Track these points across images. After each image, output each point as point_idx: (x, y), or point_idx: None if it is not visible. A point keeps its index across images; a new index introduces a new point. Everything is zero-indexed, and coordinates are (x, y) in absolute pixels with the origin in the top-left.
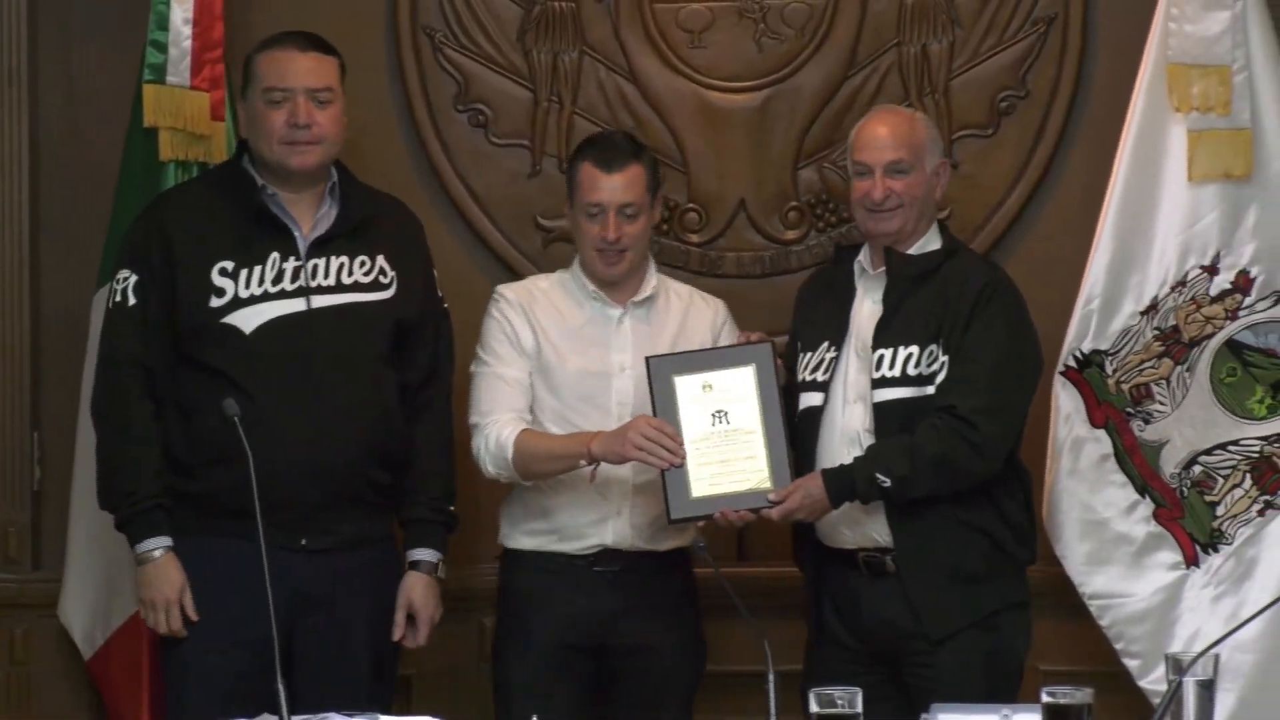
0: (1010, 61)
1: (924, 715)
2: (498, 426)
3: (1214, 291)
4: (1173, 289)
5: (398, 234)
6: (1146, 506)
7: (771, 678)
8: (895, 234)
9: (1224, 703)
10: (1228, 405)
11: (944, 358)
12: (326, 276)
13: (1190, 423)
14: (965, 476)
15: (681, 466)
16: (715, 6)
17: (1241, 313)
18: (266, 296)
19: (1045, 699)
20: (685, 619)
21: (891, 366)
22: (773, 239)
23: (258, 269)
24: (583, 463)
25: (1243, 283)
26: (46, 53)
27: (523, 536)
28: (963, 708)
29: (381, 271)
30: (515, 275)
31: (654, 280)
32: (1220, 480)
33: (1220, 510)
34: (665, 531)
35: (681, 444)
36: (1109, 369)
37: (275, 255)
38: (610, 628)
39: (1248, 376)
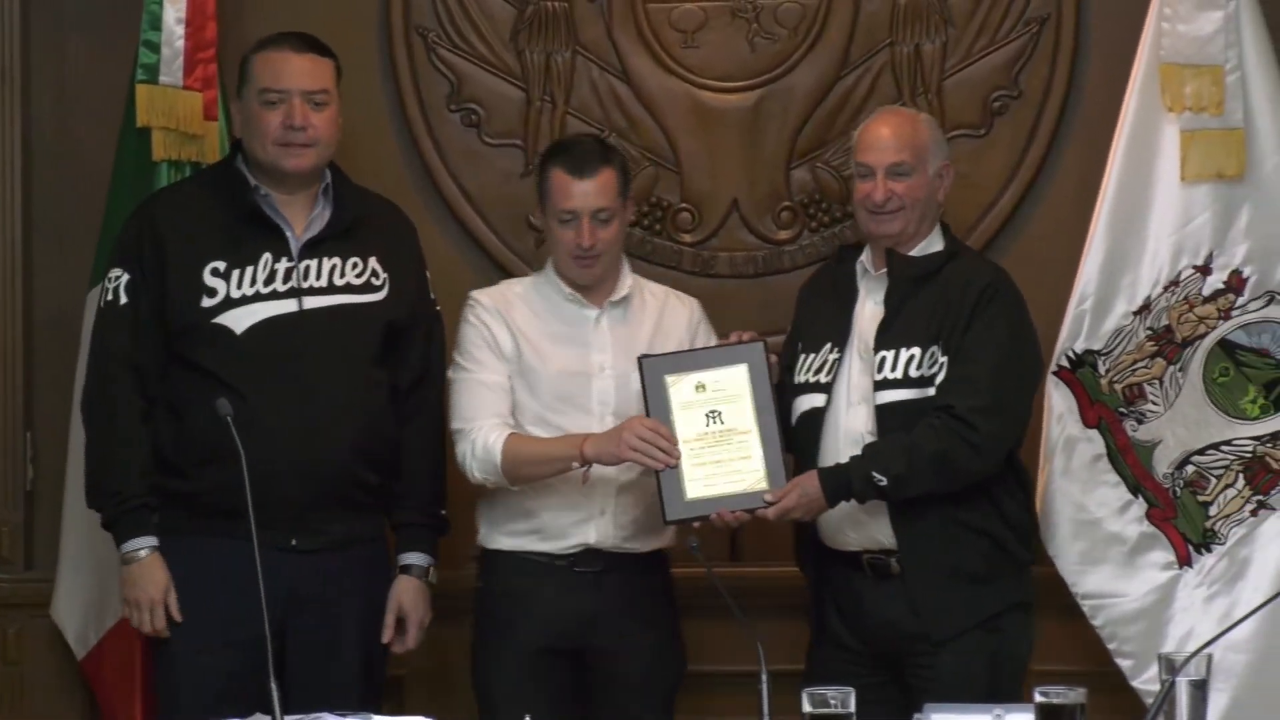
0: (1003, 61)
1: (916, 715)
2: (483, 432)
3: (1207, 291)
4: (1165, 289)
5: (390, 236)
6: (1139, 506)
7: (765, 678)
8: (896, 236)
9: (1217, 703)
10: (1220, 405)
11: (943, 359)
12: (318, 278)
13: (1183, 423)
14: (963, 476)
15: (676, 467)
16: (708, 6)
17: (1234, 312)
18: (259, 297)
19: (1038, 699)
20: (665, 620)
21: (894, 368)
22: (766, 239)
23: (250, 269)
24: (575, 465)
25: (1235, 282)
26: (39, 52)
27: (503, 537)
28: (955, 708)
29: (374, 273)
30: (508, 275)
31: (629, 280)
32: (1213, 480)
33: (1213, 510)
34: (648, 531)
35: (676, 444)
36: (1102, 369)
37: (267, 256)
38: (591, 629)
39: (1240, 376)
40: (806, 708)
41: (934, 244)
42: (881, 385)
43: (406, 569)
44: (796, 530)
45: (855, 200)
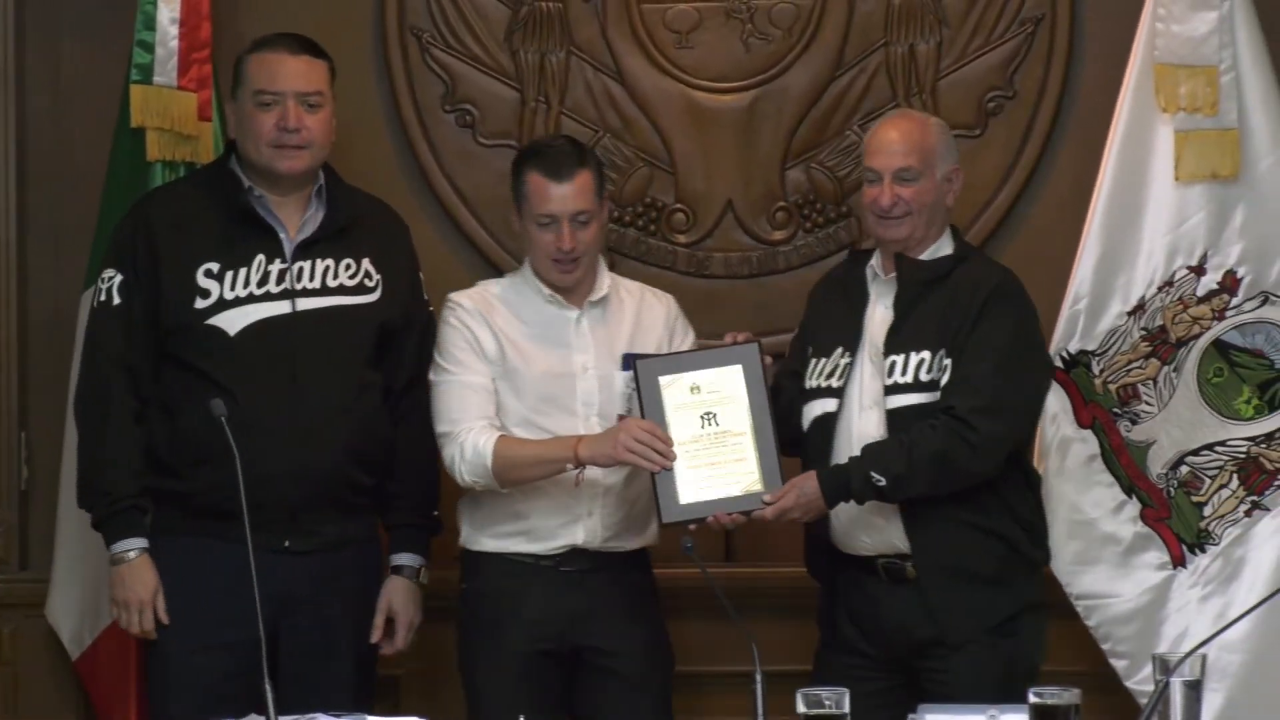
0: (998, 62)
1: (911, 716)
2: (472, 434)
3: (1201, 292)
4: (1160, 289)
5: (383, 237)
6: (1133, 507)
7: (759, 678)
8: (904, 240)
9: (1211, 703)
10: (1215, 406)
11: (948, 361)
12: (312, 279)
13: (1177, 423)
14: (962, 476)
15: (672, 470)
16: (703, 7)
17: (1229, 313)
18: (252, 299)
19: (1032, 699)
20: (653, 616)
21: (904, 373)
22: (760, 239)
23: (243, 271)
24: (570, 467)
25: (1230, 283)
26: (34, 52)
27: (487, 539)
28: (951, 708)
29: (367, 275)
30: (502, 276)
31: (607, 279)
32: (1207, 481)
33: (1207, 511)
34: (634, 530)
35: (672, 446)
36: (1096, 369)
37: (261, 257)
38: (580, 629)
39: (1234, 377)
40: (801, 708)
41: (944, 247)
42: (892, 390)
43: (397, 569)
44: (808, 535)
45: (864, 204)
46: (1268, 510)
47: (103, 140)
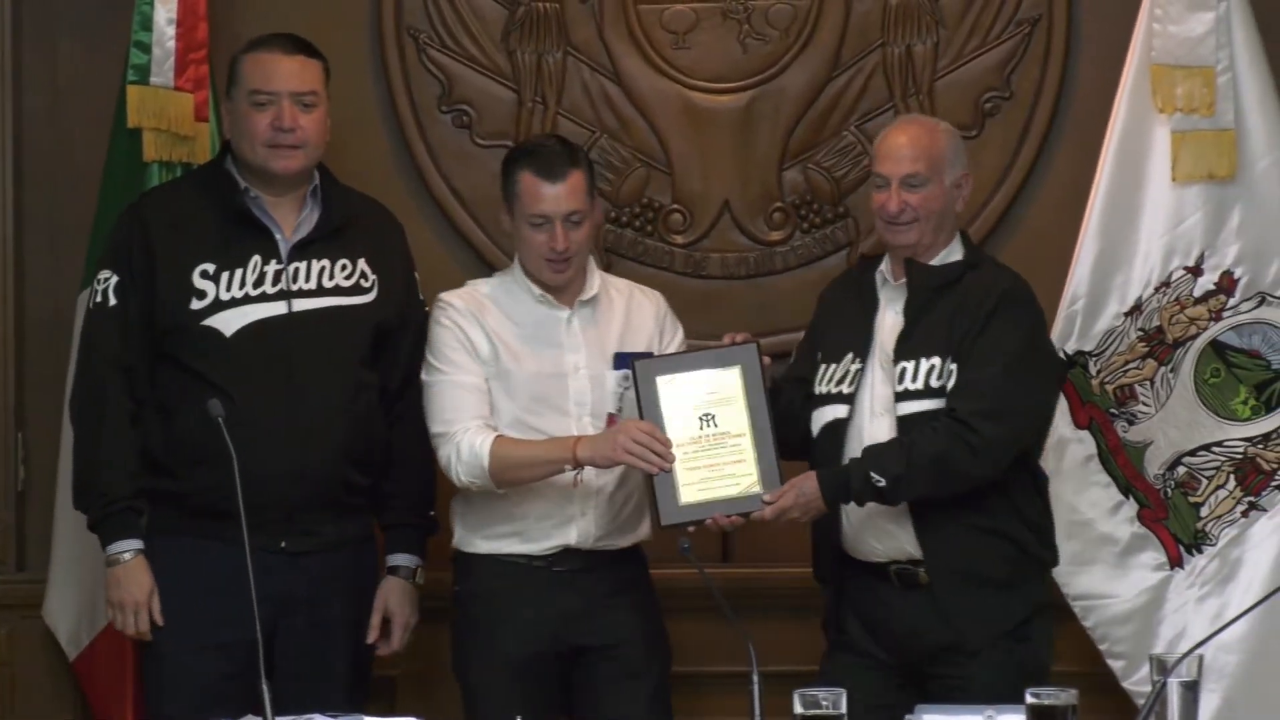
0: (994, 62)
1: (908, 717)
2: (468, 435)
3: (1198, 292)
4: (1157, 290)
5: (379, 237)
6: (1130, 507)
7: (756, 678)
8: (912, 246)
9: (1208, 703)
10: (1211, 406)
11: (953, 365)
12: (308, 280)
13: (1174, 424)
14: (962, 479)
15: (670, 471)
16: (700, 7)
17: (1225, 314)
18: (248, 299)
19: (1030, 700)
20: (645, 608)
21: (914, 379)
22: (757, 240)
23: (239, 272)
24: (568, 467)
25: (1226, 283)
26: (31, 53)
27: (480, 540)
28: (949, 708)
29: (362, 275)
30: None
31: (597, 279)
32: (1204, 481)
33: (1204, 511)
34: (626, 529)
35: (671, 448)
36: (1093, 370)
37: (257, 258)
38: (574, 628)
39: (1231, 377)
40: (799, 708)
41: (953, 253)
42: (903, 396)
43: (394, 570)
44: (815, 538)
45: (873, 209)
46: (1264, 511)
47: (100, 140)
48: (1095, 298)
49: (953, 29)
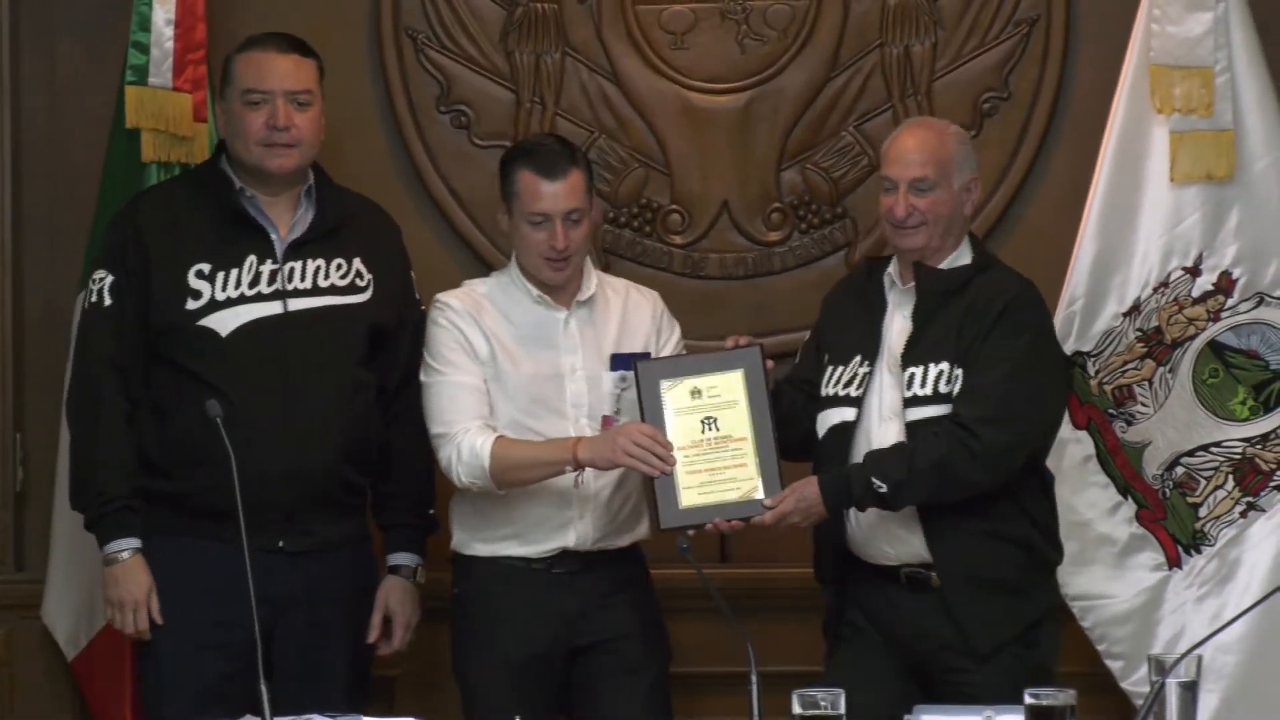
0: (993, 63)
1: (907, 717)
2: (469, 435)
3: (1196, 293)
4: (1155, 290)
5: (374, 236)
6: (1129, 508)
7: (754, 678)
8: (920, 250)
9: (1207, 704)
10: (1210, 406)
11: (959, 370)
12: (303, 279)
13: (1172, 424)
14: (963, 485)
15: (671, 474)
16: (698, 8)
17: (1224, 314)
18: (243, 299)
19: (1028, 700)
20: (644, 606)
21: (923, 384)
22: (756, 240)
23: (234, 271)
24: (568, 469)
25: (1225, 284)
26: (30, 53)
27: (478, 543)
28: (948, 709)
29: (358, 274)
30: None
31: (594, 279)
32: (1203, 481)
33: (1203, 511)
34: (625, 530)
35: (672, 450)
36: (1091, 370)
37: (252, 258)
38: (574, 629)
39: (1230, 378)
40: (797, 709)
41: (962, 256)
42: (911, 402)
43: (394, 569)
44: (818, 539)
45: (881, 212)
46: (1263, 511)
47: (98, 141)
48: (1094, 298)
49: (951, 29)
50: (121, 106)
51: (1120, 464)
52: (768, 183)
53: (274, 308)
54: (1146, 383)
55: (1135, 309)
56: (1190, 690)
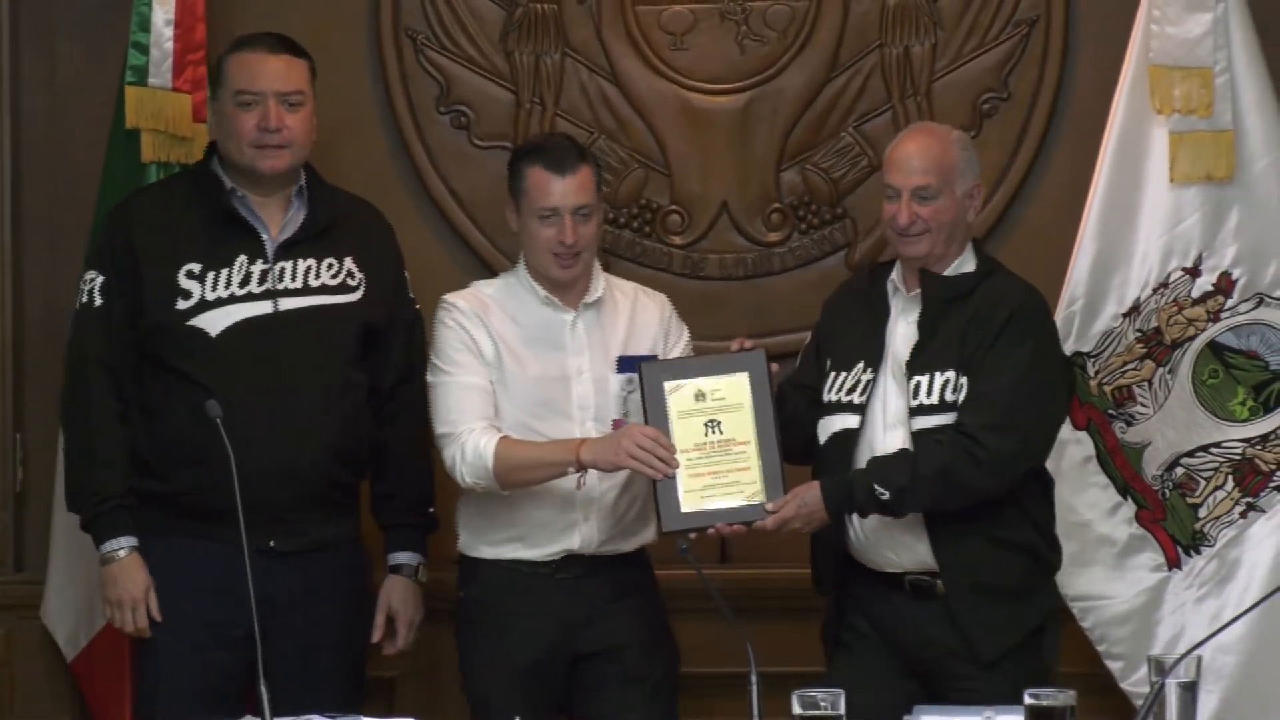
0: (992, 63)
1: (907, 718)
2: (474, 436)
3: (1196, 293)
4: (1155, 291)
5: (366, 236)
6: (1128, 508)
7: (754, 679)
8: (924, 258)
9: (1207, 704)
10: (1209, 407)
11: (963, 379)
12: (294, 279)
13: (1172, 424)
14: (967, 492)
15: (674, 477)
16: (697, 9)
17: (1223, 314)
18: (234, 299)
19: (1028, 701)
20: (649, 612)
21: (929, 393)
22: (755, 241)
23: (225, 271)
24: (571, 470)
25: (1224, 284)
26: (29, 53)
27: (484, 546)
28: (948, 709)
29: (349, 274)
30: (495, 276)
31: (602, 281)
32: (1202, 482)
33: (1203, 512)
34: (630, 533)
35: (675, 453)
36: (1091, 370)
37: (243, 258)
38: (579, 634)
39: (1229, 378)
40: (797, 709)
41: (966, 263)
42: (917, 411)
43: (396, 568)
44: (817, 544)
45: (883, 219)
46: (1263, 512)
47: (98, 141)
48: (1093, 299)
49: (951, 30)
50: (121, 107)
51: (1120, 464)
52: (767, 183)
53: (264, 307)
54: (1146, 383)
55: (1135, 309)
56: (1190, 691)
